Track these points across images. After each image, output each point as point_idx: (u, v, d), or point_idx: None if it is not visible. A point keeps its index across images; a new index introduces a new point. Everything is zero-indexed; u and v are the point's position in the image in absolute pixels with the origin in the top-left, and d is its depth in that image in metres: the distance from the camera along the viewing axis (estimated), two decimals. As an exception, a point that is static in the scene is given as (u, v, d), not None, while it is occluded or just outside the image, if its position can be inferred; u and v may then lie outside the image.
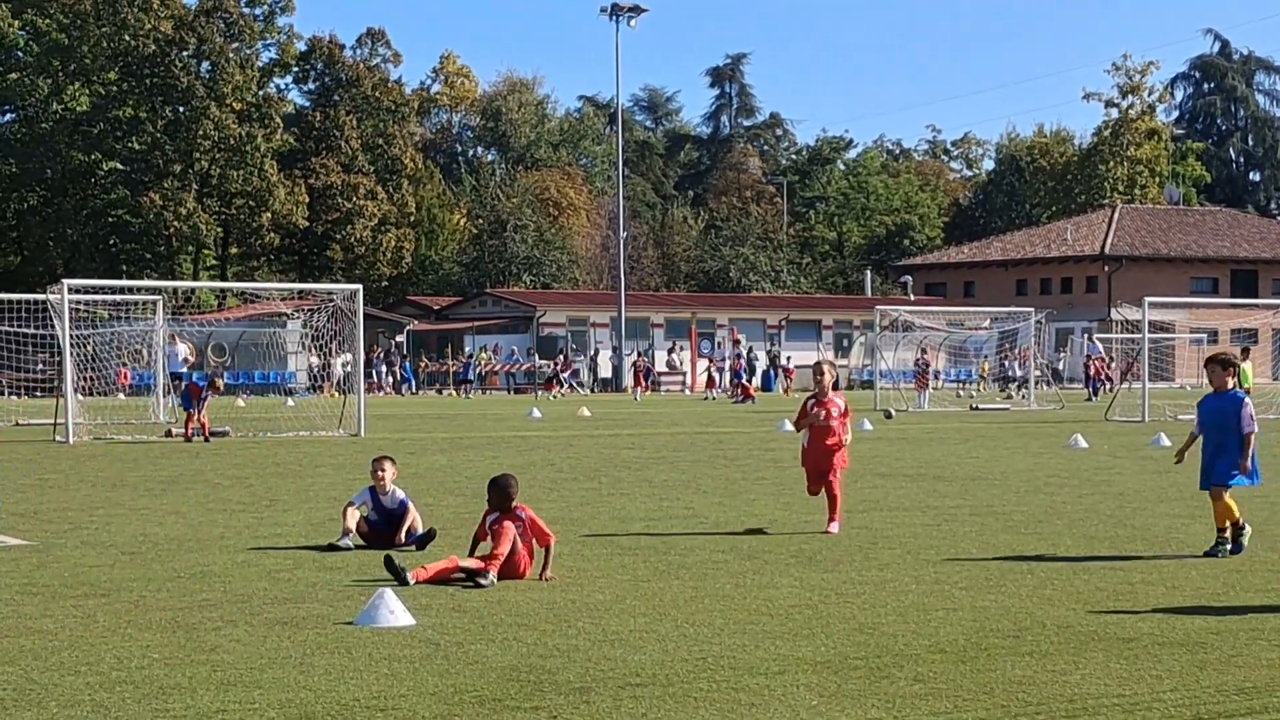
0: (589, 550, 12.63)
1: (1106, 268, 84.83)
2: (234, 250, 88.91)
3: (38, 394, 50.44)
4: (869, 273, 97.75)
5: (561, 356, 68.65)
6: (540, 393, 61.62)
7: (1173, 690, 7.50)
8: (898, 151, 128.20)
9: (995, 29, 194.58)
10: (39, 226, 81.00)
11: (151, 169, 79.95)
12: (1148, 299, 42.19)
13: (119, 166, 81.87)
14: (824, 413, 13.96)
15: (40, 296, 37.04)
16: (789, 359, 70.33)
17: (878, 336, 51.58)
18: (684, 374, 72.47)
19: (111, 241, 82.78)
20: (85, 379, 39.45)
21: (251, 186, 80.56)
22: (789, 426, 30.91)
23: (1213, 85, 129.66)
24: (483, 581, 10.51)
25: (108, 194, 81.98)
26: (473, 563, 10.80)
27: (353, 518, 12.76)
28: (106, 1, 77.98)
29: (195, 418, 28.97)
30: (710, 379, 62.17)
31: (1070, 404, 48.68)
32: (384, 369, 65.81)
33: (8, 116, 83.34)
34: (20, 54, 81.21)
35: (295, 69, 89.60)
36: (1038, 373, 54.25)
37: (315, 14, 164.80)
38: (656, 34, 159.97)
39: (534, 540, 11.02)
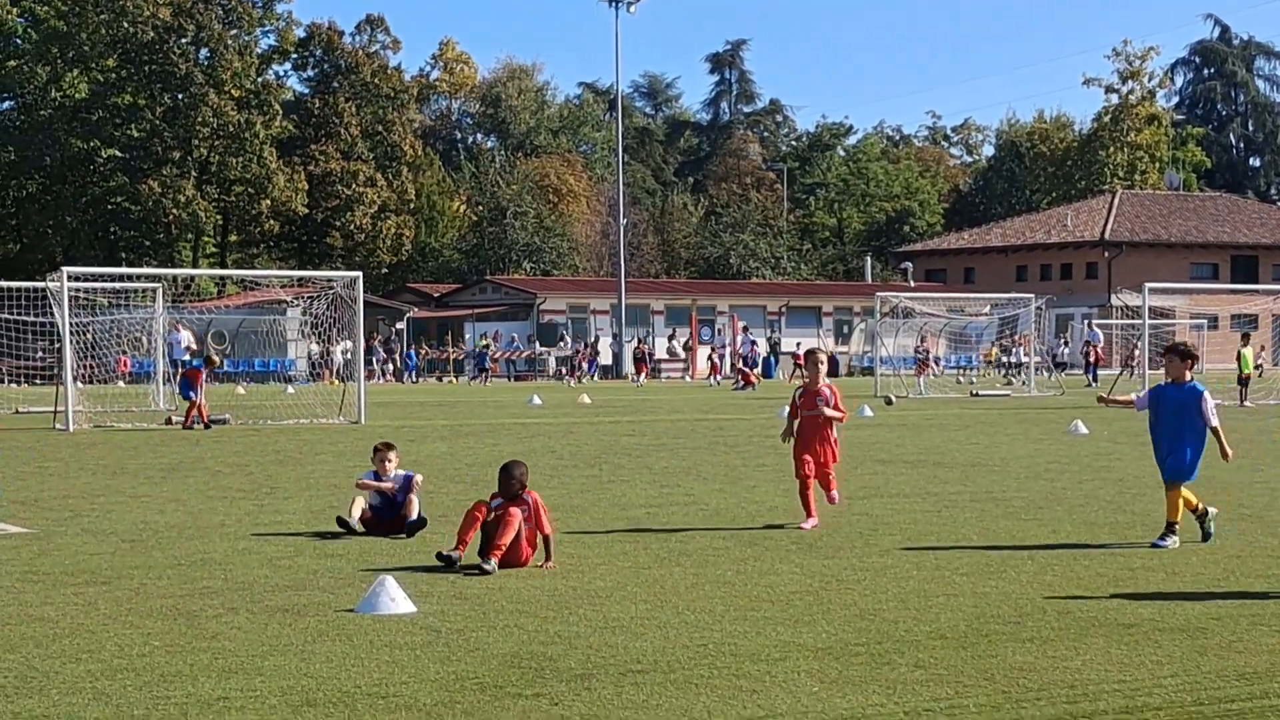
0: (589, 537, 12.64)
1: (1107, 253, 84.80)
2: (233, 237, 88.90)
3: (37, 382, 50.46)
4: (869, 259, 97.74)
5: (584, 344, 68.68)
6: (566, 379, 61.89)
7: (1173, 676, 7.50)
8: (898, 138, 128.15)
9: (995, 15, 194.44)
10: (38, 214, 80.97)
11: (150, 156, 79.91)
12: (1148, 285, 42.19)
13: (118, 154, 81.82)
14: (812, 404, 13.47)
15: (40, 284, 37.02)
16: (799, 345, 70.14)
17: (878, 323, 51.55)
18: (684, 361, 72.50)
19: (111, 229, 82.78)
20: (85, 367, 39.50)
21: (251, 173, 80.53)
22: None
23: (1213, 70, 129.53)
24: (486, 568, 10.52)
25: (107, 181, 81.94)
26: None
27: (358, 506, 12.76)
28: (105, -12, 77.95)
29: (196, 404, 28.98)
30: (713, 365, 62.21)
31: (1070, 390, 48.67)
32: (382, 356, 65.73)
33: (6, 104, 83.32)
34: (19, 41, 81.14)
35: (294, 56, 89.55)
36: (1038, 359, 54.27)
37: (314, 0, 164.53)
38: (656, 20, 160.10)
39: (536, 528, 11.01)
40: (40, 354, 53.65)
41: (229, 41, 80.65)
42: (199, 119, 78.98)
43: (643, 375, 63.07)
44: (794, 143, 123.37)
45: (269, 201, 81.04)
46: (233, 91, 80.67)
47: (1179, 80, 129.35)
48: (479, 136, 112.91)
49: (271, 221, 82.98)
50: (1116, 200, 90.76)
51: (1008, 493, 16.34)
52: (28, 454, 22.46)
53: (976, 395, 45.57)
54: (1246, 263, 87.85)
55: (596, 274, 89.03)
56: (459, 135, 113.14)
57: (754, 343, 64.14)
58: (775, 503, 15.23)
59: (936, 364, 58.33)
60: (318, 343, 50.12)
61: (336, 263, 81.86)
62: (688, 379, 68.93)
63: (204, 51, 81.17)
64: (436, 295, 79.13)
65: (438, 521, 13.17)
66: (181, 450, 23.25)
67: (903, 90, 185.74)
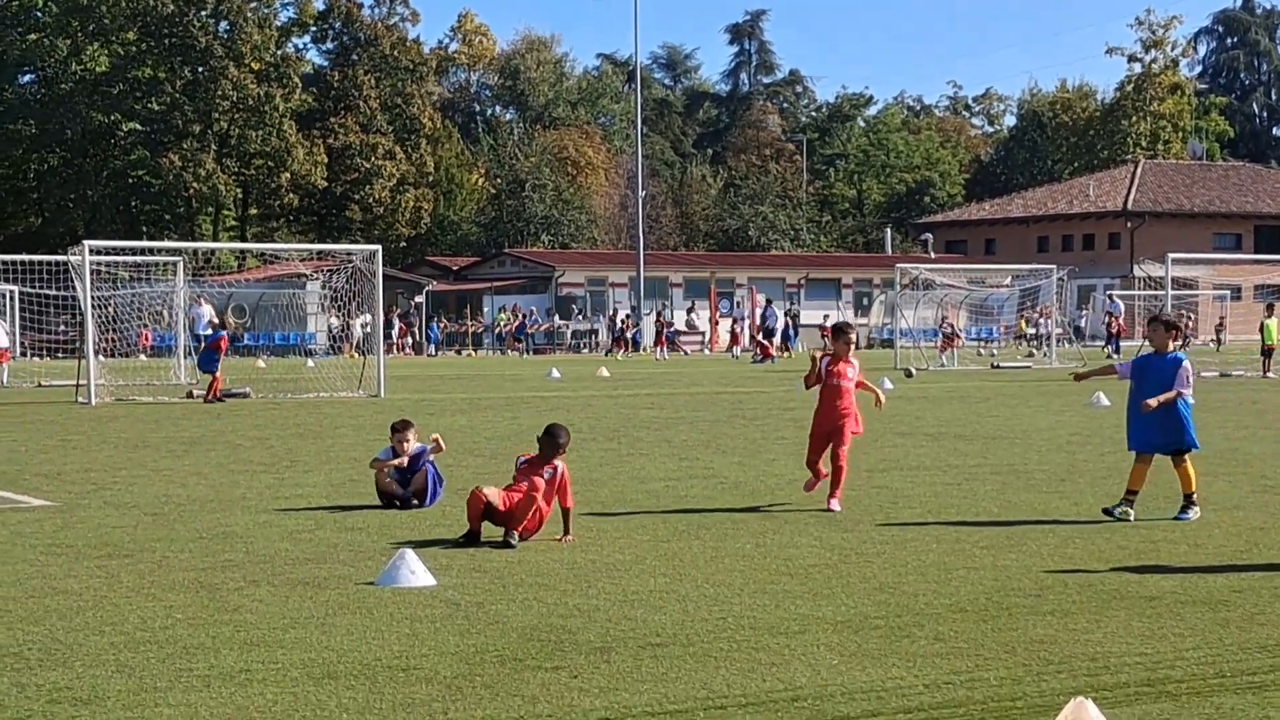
0: (609, 510, 12.65)
1: (1129, 224, 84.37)
2: (253, 211, 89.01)
3: (59, 355, 50.67)
4: (889, 230, 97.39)
5: (626, 315, 68.34)
6: (611, 352, 61.96)
7: (1195, 649, 7.49)
8: (918, 108, 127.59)
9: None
10: (59, 188, 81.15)
11: (171, 129, 79.98)
12: (1171, 255, 41.98)
13: (138, 127, 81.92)
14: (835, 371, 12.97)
15: (61, 258, 37.15)
16: (826, 318, 69.95)
17: (898, 295, 51.40)
18: (703, 334, 72.43)
19: (132, 202, 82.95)
20: (106, 340, 39.58)
21: (270, 147, 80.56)
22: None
23: (1236, 39, 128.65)
24: (512, 542, 10.55)
25: (127, 155, 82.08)
26: (493, 494, 10.81)
27: (383, 477, 12.79)
28: (124, -39, 77.93)
29: (218, 379, 29.18)
30: (734, 337, 62.06)
31: (1092, 361, 48.49)
32: (399, 329, 65.80)
33: (28, 77, 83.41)
34: (39, 14, 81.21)
35: (313, 28, 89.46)
36: (1059, 330, 54.08)
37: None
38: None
39: (558, 495, 11.00)
40: (62, 328, 53.86)
41: (248, 14, 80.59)
42: (219, 92, 78.98)
43: (662, 350, 63.01)
44: (814, 114, 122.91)
45: (288, 175, 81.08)
46: (252, 64, 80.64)
47: (1202, 49, 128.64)
48: (497, 109, 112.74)
49: (291, 195, 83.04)
50: (1139, 170, 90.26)
51: (1029, 465, 16.31)
52: (50, 427, 22.56)
53: (997, 367, 45.46)
54: (1270, 233, 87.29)
55: (615, 246, 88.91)
56: (477, 108, 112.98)
57: (787, 312, 63.75)
58: (795, 476, 15.21)
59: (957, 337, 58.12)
60: (337, 316, 50.22)
61: (356, 236, 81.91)
62: (706, 351, 68.88)
63: (224, 24, 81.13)
64: (455, 268, 79.14)
65: (457, 495, 13.20)
66: (203, 424, 23.33)
67: (924, 60, 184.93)
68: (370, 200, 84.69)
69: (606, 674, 7.00)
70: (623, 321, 67.90)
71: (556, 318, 71.15)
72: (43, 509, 12.95)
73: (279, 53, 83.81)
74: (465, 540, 10.76)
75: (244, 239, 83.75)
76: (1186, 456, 11.88)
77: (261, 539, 11.12)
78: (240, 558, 10.28)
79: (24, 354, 52.41)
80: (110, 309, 39.56)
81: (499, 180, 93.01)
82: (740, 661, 7.23)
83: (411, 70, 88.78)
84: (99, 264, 36.43)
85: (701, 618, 8.24)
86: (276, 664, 7.20)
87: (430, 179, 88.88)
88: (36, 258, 43.00)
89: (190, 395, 30.46)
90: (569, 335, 70.70)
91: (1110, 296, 64.25)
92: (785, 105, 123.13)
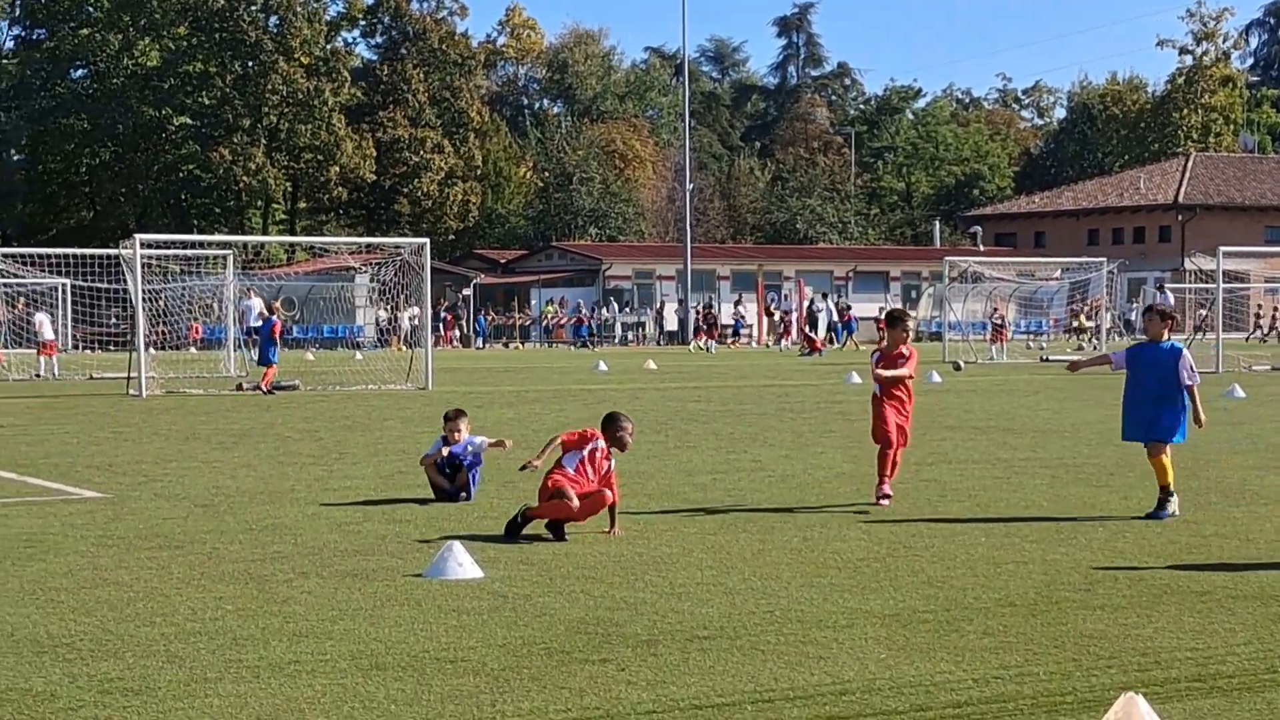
0: (655, 503, 12.64)
1: (1180, 217, 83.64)
2: (302, 205, 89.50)
3: (111, 348, 51.13)
4: (937, 223, 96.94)
5: (702, 305, 67.77)
6: (702, 344, 61.86)
7: (1246, 643, 7.41)
8: (967, 101, 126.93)
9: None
10: (111, 182, 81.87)
11: (221, 124, 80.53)
12: (1222, 248, 41.56)
13: (189, 121, 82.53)
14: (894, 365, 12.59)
15: (113, 251, 37.49)
16: (880, 310, 69.49)
17: (946, 288, 51.16)
18: (750, 326, 72.30)
19: (182, 196, 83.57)
20: (157, 333, 39.95)
21: (319, 141, 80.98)
22: (856, 379, 30.82)
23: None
24: (565, 538, 10.52)
25: (178, 149, 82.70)
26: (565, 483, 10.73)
27: (433, 471, 12.83)
28: (175, -44, 78.47)
29: (274, 368, 29.65)
30: (785, 328, 61.93)
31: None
32: (448, 320, 65.99)
33: (80, 72, 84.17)
34: (91, 9, 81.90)
35: (362, 22, 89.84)
36: (1108, 324, 53.66)
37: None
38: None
39: (605, 485, 10.89)
40: (113, 320, 54.34)
41: (298, 9, 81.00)
42: (269, 86, 79.44)
43: (710, 343, 62.94)
44: (862, 106, 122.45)
45: (337, 169, 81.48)
46: (302, 59, 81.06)
47: (1253, 41, 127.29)
48: (545, 102, 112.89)
49: (340, 188, 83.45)
50: (1190, 163, 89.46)
51: (1079, 459, 16.19)
52: (101, 419, 22.77)
53: (1046, 360, 45.17)
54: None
55: (662, 239, 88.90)
56: (525, 101, 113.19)
57: (839, 305, 63.37)
58: (843, 469, 15.17)
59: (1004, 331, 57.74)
60: (385, 309, 50.46)
61: (404, 229, 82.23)
62: (753, 344, 68.77)
63: (273, 19, 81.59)
64: (503, 261, 79.36)
65: (504, 487, 13.23)
66: (252, 416, 23.48)
67: (972, 53, 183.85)
68: (419, 194, 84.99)
69: (653, 667, 6.99)
70: (705, 313, 66.90)
71: (604, 310, 71.20)
72: (94, 501, 13.06)
73: (328, 47, 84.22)
74: (554, 535, 10.67)
75: (293, 232, 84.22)
76: (1168, 447, 11.80)
77: (310, 531, 11.17)
78: (289, 549, 10.34)
79: (75, 346, 52.89)
80: (161, 302, 39.90)
81: (546, 173, 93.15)
82: (787, 655, 7.21)
83: (460, 64, 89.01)
84: (150, 257, 36.75)
85: (749, 611, 8.22)
86: (325, 655, 7.24)
87: (478, 172, 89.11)
88: (88, 251, 43.42)
89: (240, 388, 30.68)
90: (618, 328, 70.73)
91: (1162, 286, 63.68)
92: (833, 98, 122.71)
